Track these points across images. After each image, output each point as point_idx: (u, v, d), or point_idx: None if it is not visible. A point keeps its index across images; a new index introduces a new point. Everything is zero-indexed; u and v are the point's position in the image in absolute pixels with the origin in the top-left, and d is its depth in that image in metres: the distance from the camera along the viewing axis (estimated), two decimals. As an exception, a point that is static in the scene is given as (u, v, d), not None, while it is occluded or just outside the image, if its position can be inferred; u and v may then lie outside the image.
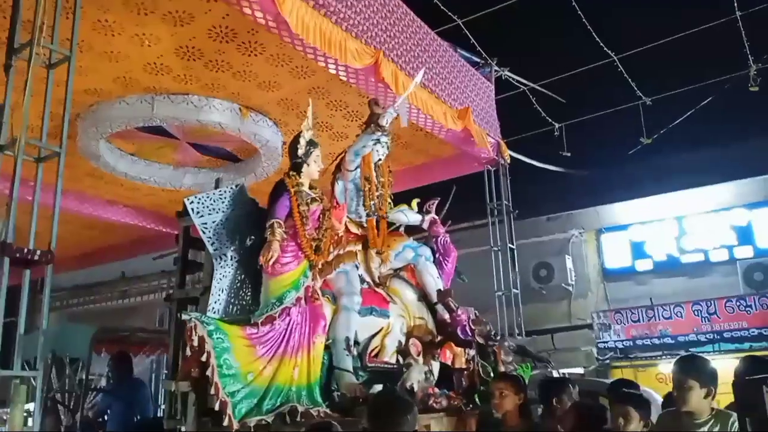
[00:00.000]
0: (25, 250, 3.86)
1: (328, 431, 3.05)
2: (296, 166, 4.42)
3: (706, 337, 9.86)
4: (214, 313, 4.03)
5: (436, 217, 5.64)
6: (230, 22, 5.75)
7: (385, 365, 4.72)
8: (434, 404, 4.25)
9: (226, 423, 3.55)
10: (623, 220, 11.73)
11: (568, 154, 11.15)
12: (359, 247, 4.94)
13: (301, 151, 4.42)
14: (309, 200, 4.30)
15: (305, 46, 5.84)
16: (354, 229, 4.96)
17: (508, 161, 9.25)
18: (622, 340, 10.50)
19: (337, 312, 4.54)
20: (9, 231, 3.84)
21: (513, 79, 10.13)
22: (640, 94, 10.37)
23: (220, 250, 4.20)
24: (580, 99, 10.95)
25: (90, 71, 6.31)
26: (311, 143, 4.48)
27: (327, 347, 4.38)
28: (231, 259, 4.25)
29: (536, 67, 10.52)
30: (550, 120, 10.88)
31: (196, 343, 3.59)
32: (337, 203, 4.69)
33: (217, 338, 3.70)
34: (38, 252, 3.91)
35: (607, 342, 10.57)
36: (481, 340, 4.97)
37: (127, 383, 6.12)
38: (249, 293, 4.27)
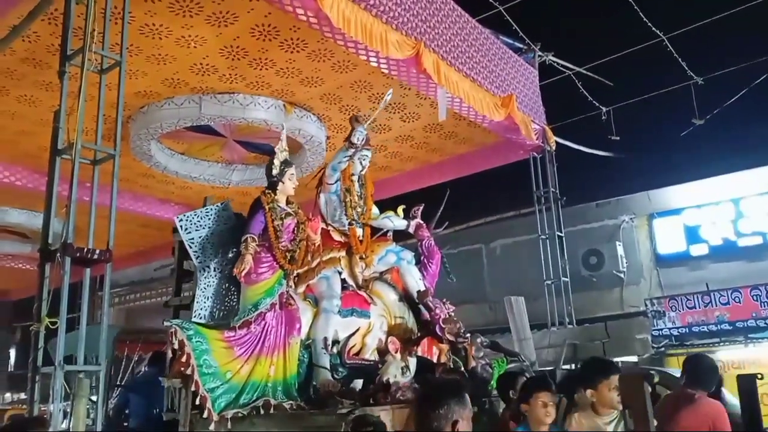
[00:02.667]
0: (85, 250, 4.00)
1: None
2: (271, 184, 4.85)
3: (765, 323, 9.51)
4: (201, 318, 4.54)
5: (422, 222, 5.92)
6: (272, 20, 5.82)
7: (363, 361, 5.08)
8: (400, 396, 4.50)
9: (206, 415, 4.05)
10: (676, 204, 11.40)
11: (617, 138, 10.89)
12: (343, 253, 5.33)
13: (275, 171, 4.86)
14: (283, 215, 4.73)
15: (346, 40, 5.88)
16: (338, 237, 5.36)
17: (554, 148, 9.09)
18: (678, 327, 10.22)
19: (318, 314, 4.95)
20: (69, 231, 4.00)
21: (558, 63, 9.94)
22: (692, 74, 10.04)
23: (204, 263, 4.70)
24: (628, 81, 10.68)
25: (139, 74, 6.50)
26: (285, 163, 4.91)
27: (308, 346, 4.80)
28: (214, 270, 4.75)
29: (581, 51, 10.31)
30: (597, 104, 10.64)
31: (176, 346, 4.06)
32: (312, 216, 5.06)
33: (197, 341, 4.17)
34: (97, 251, 4.06)
35: (661, 329, 10.30)
36: (451, 338, 5.30)
37: (144, 379, 6.18)
38: (235, 299, 4.72)
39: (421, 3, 6.72)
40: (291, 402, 4.43)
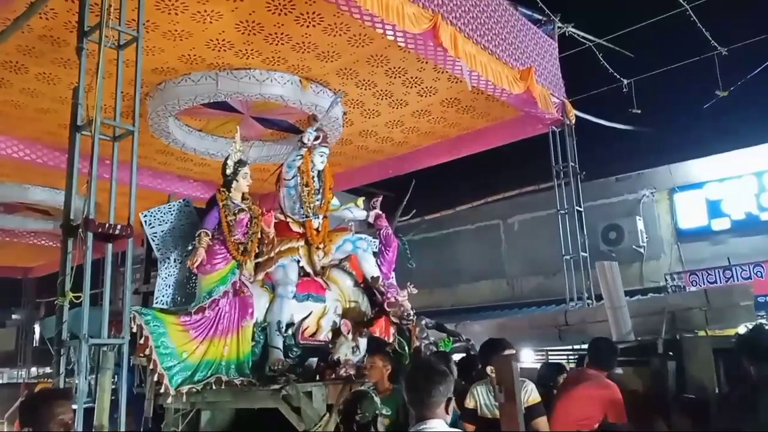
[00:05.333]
0: (107, 225, 4.05)
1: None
2: (226, 183, 5.29)
3: (789, 298, 9.40)
4: (162, 304, 5.14)
5: (380, 213, 6.40)
6: (288, -7, 5.77)
7: (315, 342, 5.61)
8: (343, 373, 5.01)
9: (162, 390, 4.66)
10: (698, 178, 11.24)
11: (638, 111, 10.70)
12: (302, 243, 5.80)
13: (229, 171, 5.31)
14: (237, 211, 5.21)
15: (362, 14, 5.80)
16: (296, 228, 5.83)
17: (574, 121, 8.97)
18: (698, 302, 10.15)
19: (273, 299, 5.49)
20: (91, 207, 4.04)
21: (577, 35, 9.76)
22: (715, 44, 9.79)
23: (165, 254, 5.28)
24: (649, 53, 10.46)
25: (156, 50, 6.50)
26: (239, 163, 5.36)
27: (264, 329, 5.39)
28: (174, 261, 5.34)
29: (602, 22, 10.09)
30: (618, 76, 10.45)
31: (135, 330, 4.50)
32: (267, 211, 5.49)
33: (154, 325, 4.70)
34: (119, 226, 4.10)
35: (681, 304, 10.24)
36: (395, 320, 5.83)
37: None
38: (194, 287, 5.31)
39: (439, -26, 6.62)
40: (242, 379, 5.01)
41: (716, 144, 10.74)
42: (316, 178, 5.99)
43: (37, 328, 19.11)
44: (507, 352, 3.96)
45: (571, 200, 8.80)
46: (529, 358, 9.50)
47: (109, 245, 4.21)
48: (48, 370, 14.75)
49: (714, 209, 11.01)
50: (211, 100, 7.28)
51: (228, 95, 7.17)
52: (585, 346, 5.81)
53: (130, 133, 4.37)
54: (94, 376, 4.36)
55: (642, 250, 11.37)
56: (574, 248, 8.68)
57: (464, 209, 13.50)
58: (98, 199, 4.16)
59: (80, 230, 4.00)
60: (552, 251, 9.34)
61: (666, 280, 10.57)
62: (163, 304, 5.19)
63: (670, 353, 5.29)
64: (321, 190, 6.04)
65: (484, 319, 9.28)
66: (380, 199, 6.49)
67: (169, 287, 5.30)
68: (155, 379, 4.72)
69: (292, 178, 5.82)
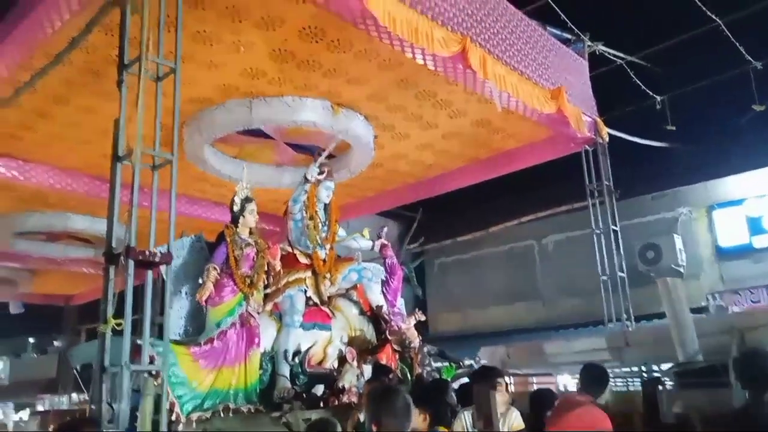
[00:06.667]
0: (147, 252, 4.13)
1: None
2: (234, 219, 5.60)
3: (838, 317, 9.05)
4: (175, 335, 5.29)
5: (386, 242, 6.64)
6: (319, 21, 5.87)
7: (322, 369, 5.82)
8: (346, 400, 5.17)
9: (174, 418, 4.83)
10: (737, 194, 11.00)
11: (673, 128, 10.55)
12: (309, 273, 6.03)
13: (236, 208, 5.63)
14: (244, 245, 5.48)
15: (392, 39, 5.88)
16: (303, 259, 6.08)
17: (607, 140, 8.88)
18: (742, 323, 9.85)
19: (281, 329, 5.74)
20: (132, 235, 4.13)
21: (608, 53, 9.71)
22: (749, 59, 9.64)
23: (178, 288, 5.49)
24: (682, 69, 10.34)
25: (192, 81, 6.66)
26: (246, 199, 5.68)
27: (272, 357, 5.63)
28: (185, 294, 5.57)
29: (633, 39, 10.06)
30: (651, 93, 10.34)
31: (147, 360, 4.51)
32: (273, 244, 5.75)
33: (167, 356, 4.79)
34: (158, 253, 4.18)
35: (725, 325, 9.95)
36: (397, 347, 6.02)
37: None
38: (204, 318, 5.50)
39: (467, -2, 6.68)
40: (250, 406, 5.22)
41: (754, 159, 10.51)
42: (322, 211, 6.29)
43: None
44: (498, 380, 4.15)
45: (606, 220, 8.68)
46: (568, 382, 9.31)
47: (149, 272, 4.29)
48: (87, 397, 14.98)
49: (755, 226, 10.75)
50: (246, 128, 7.42)
51: (262, 122, 7.29)
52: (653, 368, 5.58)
53: (168, 162, 4.47)
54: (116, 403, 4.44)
55: (681, 270, 11.08)
56: (611, 268, 8.54)
57: (497, 230, 13.40)
58: (137, 226, 4.25)
59: (122, 258, 4.09)
60: (588, 272, 9.20)
61: (708, 299, 10.30)
62: (175, 335, 5.44)
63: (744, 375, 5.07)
64: (327, 222, 6.32)
65: (522, 342, 9.15)
66: (385, 229, 6.74)
67: (181, 318, 5.57)
68: (167, 406, 4.88)
69: (298, 212, 6.15)
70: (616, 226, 8.72)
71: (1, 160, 8.44)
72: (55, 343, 19.62)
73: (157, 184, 4.41)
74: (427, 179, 10.00)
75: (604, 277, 8.55)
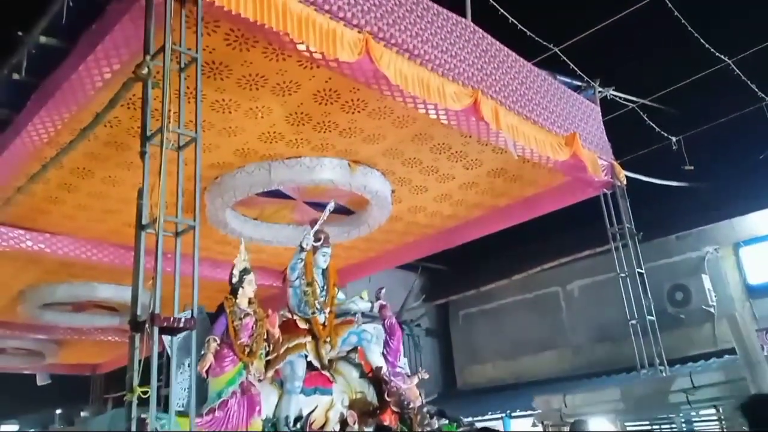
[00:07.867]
0: (171, 319, 4.15)
1: None
2: (233, 290, 5.73)
3: None
4: (179, 407, 5.21)
5: (385, 303, 6.66)
6: (333, 84, 6.04)
7: None
8: None
9: None
10: (763, 230, 10.79)
11: (691, 168, 10.51)
12: (309, 338, 6.13)
13: (235, 279, 5.76)
14: (243, 315, 5.58)
15: (405, 96, 6.01)
16: (303, 325, 6.17)
17: (625, 182, 8.86)
18: (781, 362, 9.52)
19: (282, 395, 5.87)
20: (156, 302, 4.16)
21: (619, 97, 9.80)
22: (762, 95, 9.67)
23: (180, 360, 5.45)
24: (696, 109, 10.36)
25: (212, 147, 6.84)
26: (244, 271, 5.80)
27: (274, 424, 5.76)
28: (188, 366, 5.44)
29: (644, 82, 10.12)
30: (665, 135, 10.36)
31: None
32: (271, 312, 5.81)
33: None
34: (182, 320, 4.20)
35: (763, 365, 9.61)
36: (396, 408, 6.12)
37: None
38: (207, 389, 5.56)
39: (476, 53, 6.83)
40: None
41: (778, 193, 10.37)
42: (320, 276, 6.40)
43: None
44: None
45: (630, 262, 8.57)
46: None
47: (174, 339, 4.30)
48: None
49: (785, 261, 10.50)
50: (265, 190, 7.54)
51: (281, 183, 7.42)
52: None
53: (191, 228, 4.53)
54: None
55: (712, 310, 10.83)
56: (640, 312, 8.37)
57: (520, 278, 13.25)
58: (161, 291, 4.28)
59: (147, 325, 4.11)
60: (617, 316, 9.03)
61: (742, 339, 9.99)
62: (179, 407, 5.44)
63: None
64: (326, 287, 6.43)
65: (555, 393, 8.90)
66: (383, 290, 6.83)
67: (184, 390, 5.63)
68: None
69: (296, 279, 6.29)
70: (641, 268, 8.59)
71: (30, 233, 8.65)
72: (82, 413, 19.50)
73: (180, 251, 4.46)
74: (447, 230, 10.02)
75: (633, 321, 8.37)
